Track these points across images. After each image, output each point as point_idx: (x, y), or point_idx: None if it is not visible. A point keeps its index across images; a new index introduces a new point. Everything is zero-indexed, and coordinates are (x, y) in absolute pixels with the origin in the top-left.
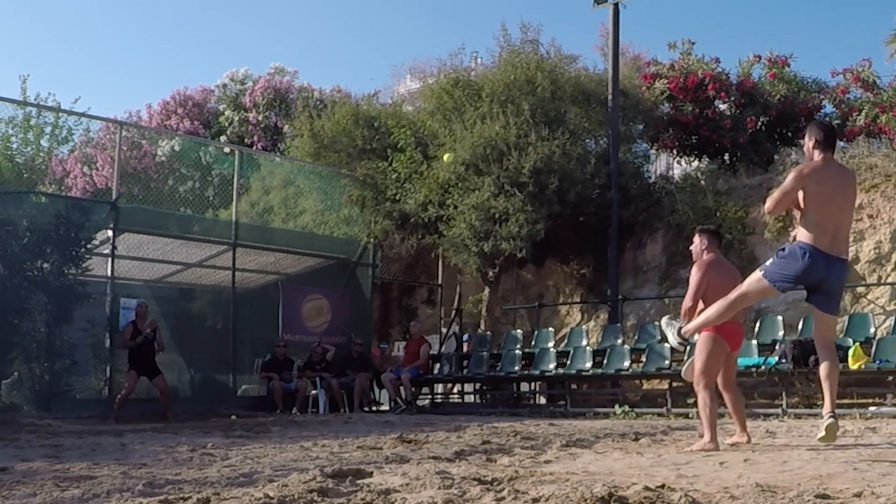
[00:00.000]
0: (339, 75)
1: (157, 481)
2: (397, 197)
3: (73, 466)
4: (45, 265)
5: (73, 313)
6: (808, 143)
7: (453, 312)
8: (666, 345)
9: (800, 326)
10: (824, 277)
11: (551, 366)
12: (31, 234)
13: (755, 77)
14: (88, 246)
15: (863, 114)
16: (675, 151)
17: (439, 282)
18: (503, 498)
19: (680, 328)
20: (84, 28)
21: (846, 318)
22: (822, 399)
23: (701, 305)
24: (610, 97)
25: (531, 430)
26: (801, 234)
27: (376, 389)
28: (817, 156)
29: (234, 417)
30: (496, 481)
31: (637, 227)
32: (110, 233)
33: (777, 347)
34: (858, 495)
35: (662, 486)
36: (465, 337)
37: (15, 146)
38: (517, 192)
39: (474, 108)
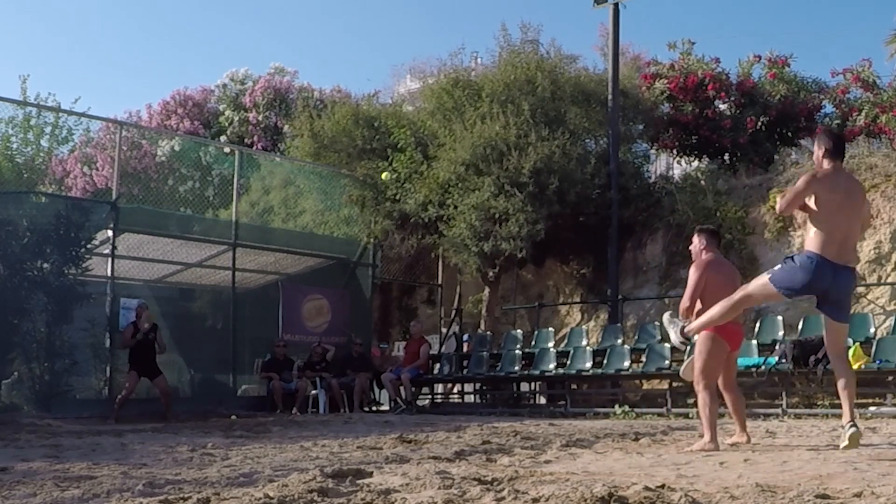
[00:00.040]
0: (339, 75)
1: (157, 481)
2: (397, 197)
3: (73, 466)
4: (45, 265)
5: (73, 313)
6: (818, 151)
7: (453, 312)
8: (666, 345)
9: (800, 326)
10: (831, 286)
11: (551, 366)
12: (31, 234)
13: (755, 77)
14: (88, 246)
15: (863, 114)
16: (675, 151)
17: (439, 282)
18: (503, 498)
19: (683, 327)
20: (84, 28)
21: None
22: (841, 409)
23: (699, 305)
24: (610, 97)
25: (531, 430)
26: (810, 243)
27: (376, 389)
28: (826, 164)
29: (234, 417)
30: (496, 481)
31: (637, 227)
32: (110, 233)
33: (777, 347)
34: (858, 495)
35: (662, 486)
36: (465, 337)
37: (15, 146)
38: (517, 192)
39: (474, 108)
